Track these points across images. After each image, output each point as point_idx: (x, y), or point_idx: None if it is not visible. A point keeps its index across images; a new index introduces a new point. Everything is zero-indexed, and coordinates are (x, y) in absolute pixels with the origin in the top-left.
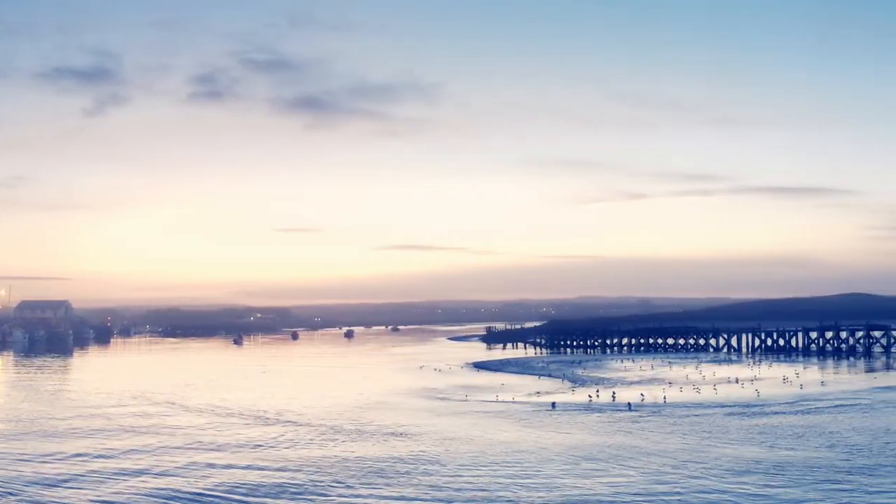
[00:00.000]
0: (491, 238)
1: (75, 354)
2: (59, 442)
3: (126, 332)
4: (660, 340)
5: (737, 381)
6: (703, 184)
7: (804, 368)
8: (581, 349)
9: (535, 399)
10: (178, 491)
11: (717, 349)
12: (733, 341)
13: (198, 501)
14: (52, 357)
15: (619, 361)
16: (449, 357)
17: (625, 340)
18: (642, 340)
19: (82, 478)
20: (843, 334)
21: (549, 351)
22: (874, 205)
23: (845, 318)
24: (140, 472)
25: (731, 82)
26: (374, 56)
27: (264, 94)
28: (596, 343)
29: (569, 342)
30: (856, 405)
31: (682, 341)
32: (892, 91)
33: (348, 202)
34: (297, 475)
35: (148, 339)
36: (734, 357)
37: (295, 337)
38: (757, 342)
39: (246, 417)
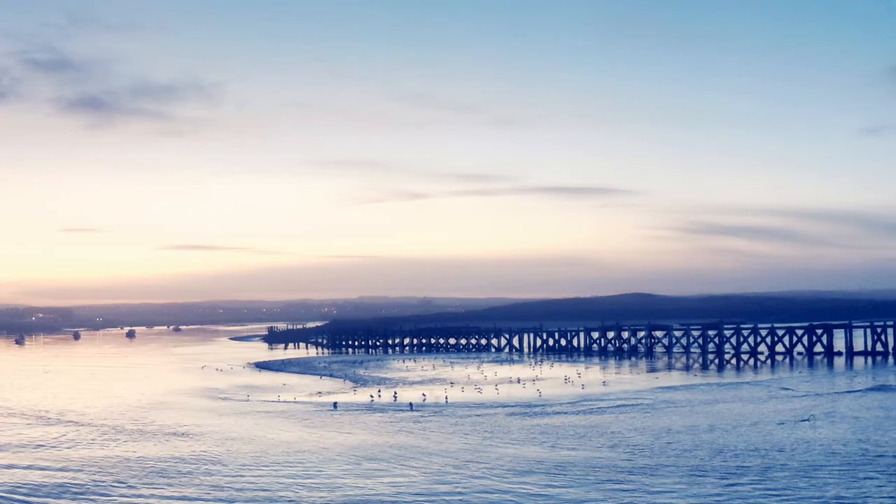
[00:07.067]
0: (273, 238)
1: None
2: None
3: None
4: (441, 340)
5: (518, 381)
6: (484, 184)
7: (586, 368)
8: (363, 349)
9: (316, 399)
10: None
11: (499, 349)
12: (515, 341)
13: None
14: None
15: (400, 361)
16: (230, 357)
17: (406, 340)
18: (424, 340)
19: None
20: (625, 334)
21: (331, 351)
22: (654, 205)
23: (627, 318)
24: None
25: (511, 83)
26: (155, 56)
27: (46, 94)
28: (378, 343)
29: (351, 342)
30: (637, 405)
31: (463, 341)
32: (673, 91)
33: (130, 202)
34: (79, 475)
35: None
36: (516, 357)
37: (77, 337)
38: (539, 342)
39: (27, 417)
